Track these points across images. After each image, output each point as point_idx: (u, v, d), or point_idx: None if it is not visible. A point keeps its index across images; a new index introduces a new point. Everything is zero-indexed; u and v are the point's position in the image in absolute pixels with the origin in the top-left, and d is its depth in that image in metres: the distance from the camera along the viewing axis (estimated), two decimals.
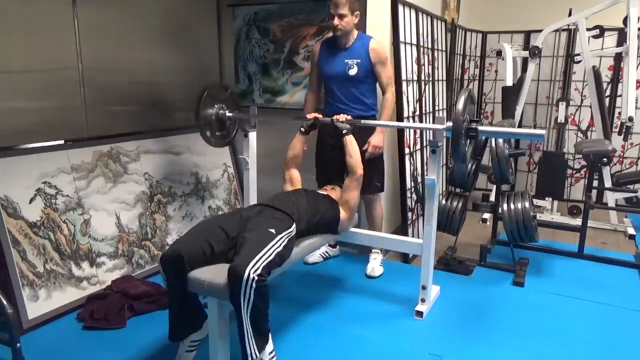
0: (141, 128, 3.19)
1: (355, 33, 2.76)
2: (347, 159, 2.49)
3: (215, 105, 2.78)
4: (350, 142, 2.49)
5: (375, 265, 2.99)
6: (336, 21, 2.64)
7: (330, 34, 2.82)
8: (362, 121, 2.58)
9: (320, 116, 2.62)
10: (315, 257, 3.19)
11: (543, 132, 2.20)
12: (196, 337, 2.00)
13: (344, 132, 2.49)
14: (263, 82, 3.63)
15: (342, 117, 2.53)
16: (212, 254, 1.91)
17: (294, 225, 2.09)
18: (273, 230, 1.94)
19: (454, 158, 2.25)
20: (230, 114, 2.82)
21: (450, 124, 2.17)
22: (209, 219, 2.25)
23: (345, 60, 2.75)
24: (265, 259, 1.79)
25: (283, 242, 1.94)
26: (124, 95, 3.13)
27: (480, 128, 2.24)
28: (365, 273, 2.98)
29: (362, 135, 2.79)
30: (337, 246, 3.31)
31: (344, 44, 2.75)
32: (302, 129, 2.61)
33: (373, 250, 3.06)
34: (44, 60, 2.65)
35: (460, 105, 2.15)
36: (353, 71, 2.74)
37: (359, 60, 2.73)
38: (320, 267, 3.15)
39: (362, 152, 2.78)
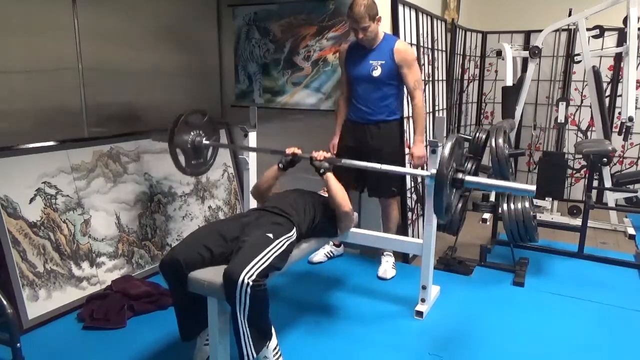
0: (141, 128, 3.19)
1: (381, 34, 2.72)
2: (330, 198, 2.31)
3: (192, 132, 2.64)
4: (330, 180, 2.29)
5: (387, 267, 2.99)
6: (361, 35, 2.62)
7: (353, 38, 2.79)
8: (343, 160, 2.39)
9: (299, 152, 2.39)
10: (319, 256, 3.20)
11: (533, 187, 1.97)
12: None
13: (321, 171, 2.31)
14: (263, 82, 3.63)
15: (320, 155, 2.34)
16: (211, 258, 1.91)
17: (295, 230, 2.08)
18: (271, 235, 1.93)
19: (436, 210, 2.00)
20: (207, 142, 2.70)
21: (434, 171, 1.98)
22: (208, 224, 2.24)
23: (370, 62, 2.72)
24: (261, 264, 1.78)
25: (282, 246, 1.93)
26: (124, 95, 3.13)
27: (467, 178, 2.05)
28: (376, 275, 2.98)
29: (389, 142, 2.82)
30: (342, 245, 3.31)
31: (370, 45, 2.71)
32: (280, 165, 2.40)
33: (385, 253, 3.06)
34: (44, 61, 2.65)
35: (446, 152, 1.93)
36: (377, 72, 2.70)
37: (383, 62, 2.69)
38: (323, 267, 3.15)
39: (393, 163, 2.77)
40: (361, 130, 2.82)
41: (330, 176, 2.30)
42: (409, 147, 3.24)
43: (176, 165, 2.63)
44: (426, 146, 2.67)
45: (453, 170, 2.01)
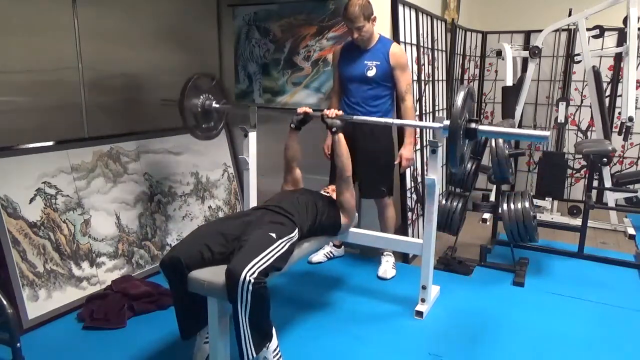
0: (141, 128, 3.19)
1: (376, 36, 2.75)
2: (335, 159, 2.39)
3: (201, 96, 2.69)
4: (339, 141, 2.37)
5: (387, 267, 2.99)
6: (356, 35, 2.64)
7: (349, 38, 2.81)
8: (354, 117, 2.51)
9: (310, 111, 2.50)
10: (319, 256, 3.20)
11: (547, 133, 2.06)
12: None
13: (333, 129, 2.37)
14: (263, 82, 3.63)
15: (332, 112, 2.40)
16: (211, 258, 1.91)
17: (297, 230, 2.08)
18: (273, 235, 1.93)
19: (450, 159, 2.07)
20: (217, 105, 2.74)
21: (447, 122, 2.03)
22: (209, 223, 2.24)
23: (365, 62, 2.74)
24: (263, 263, 1.78)
25: (284, 246, 1.93)
26: (124, 95, 3.13)
27: (480, 127, 2.11)
28: (377, 275, 2.98)
29: (381, 143, 2.83)
30: (342, 246, 3.32)
31: (365, 46, 2.74)
32: (292, 125, 2.50)
33: (385, 253, 3.06)
34: (44, 60, 2.65)
35: (458, 102, 1.97)
36: (371, 72, 2.73)
37: (379, 63, 2.72)
38: (323, 267, 3.15)
39: (386, 163, 2.81)
40: (353, 130, 2.83)
41: (340, 136, 2.37)
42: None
43: (188, 129, 2.68)
44: (416, 151, 2.67)
45: (466, 120, 2.02)
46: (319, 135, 3.00)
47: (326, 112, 2.41)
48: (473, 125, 2.07)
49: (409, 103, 2.78)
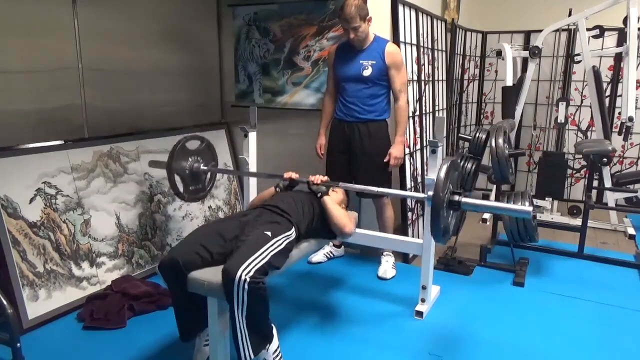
0: (141, 128, 3.19)
1: (371, 36, 2.76)
2: (330, 221, 2.28)
3: (190, 158, 2.65)
4: (327, 203, 2.29)
5: (387, 267, 2.99)
6: (352, 35, 2.66)
7: (345, 39, 2.81)
8: (340, 184, 2.41)
9: (296, 176, 2.43)
10: (319, 256, 3.20)
11: (529, 208, 1.99)
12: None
13: (318, 195, 2.31)
14: (263, 82, 3.63)
15: (317, 178, 2.36)
16: (210, 258, 1.91)
17: (294, 229, 2.08)
18: (269, 233, 1.93)
19: (432, 232, 1.98)
20: (205, 167, 2.71)
21: (431, 193, 1.96)
22: (207, 224, 2.23)
23: (361, 62, 2.75)
24: (259, 262, 1.78)
25: (280, 244, 1.93)
26: (124, 95, 3.13)
27: (464, 200, 2.02)
28: (376, 275, 2.98)
29: (378, 142, 2.83)
30: (342, 246, 3.32)
31: (360, 46, 2.75)
32: (277, 188, 2.42)
33: (385, 253, 3.06)
34: (44, 61, 2.65)
35: (441, 174, 1.92)
36: (367, 72, 2.74)
37: (374, 62, 2.73)
38: (322, 267, 3.15)
39: (382, 163, 2.80)
40: (349, 130, 2.83)
41: (327, 199, 2.30)
42: (408, 147, 3.25)
43: (174, 192, 2.65)
44: (407, 151, 2.65)
45: (449, 192, 2.00)
46: (311, 134, 3.00)
47: (311, 178, 2.37)
48: (456, 197, 2.02)
49: (402, 103, 2.78)
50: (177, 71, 3.48)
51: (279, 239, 1.94)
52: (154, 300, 2.55)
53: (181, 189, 2.66)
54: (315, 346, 2.23)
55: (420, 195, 2.23)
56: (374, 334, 2.34)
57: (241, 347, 1.75)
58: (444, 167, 1.94)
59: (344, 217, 2.29)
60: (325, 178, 2.41)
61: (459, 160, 2.92)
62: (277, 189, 2.43)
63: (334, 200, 2.36)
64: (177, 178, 2.65)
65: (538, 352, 2.22)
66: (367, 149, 2.83)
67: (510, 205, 2.15)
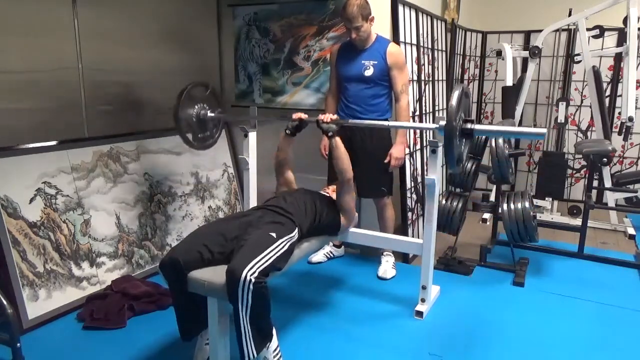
0: (141, 128, 3.19)
1: (373, 36, 2.76)
2: (334, 162, 2.36)
3: (196, 106, 2.68)
4: (337, 145, 2.34)
5: (387, 267, 2.99)
6: (354, 35, 2.65)
7: (347, 39, 2.81)
8: (350, 120, 2.50)
9: (305, 116, 2.45)
10: (319, 256, 3.20)
11: (544, 130, 2.09)
12: None
13: (329, 134, 2.34)
14: (263, 82, 3.63)
15: (327, 117, 2.39)
16: (211, 258, 1.91)
17: (297, 230, 2.08)
18: (274, 234, 1.93)
19: (448, 159, 2.07)
20: (212, 114, 2.74)
21: (443, 122, 2.00)
22: (209, 224, 2.24)
23: (362, 62, 2.75)
24: (264, 262, 1.78)
25: (284, 246, 1.93)
26: (124, 95, 3.13)
27: (476, 127, 2.08)
28: (376, 275, 2.98)
29: (379, 142, 2.82)
30: (342, 246, 3.32)
31: (362, 46, 2.75)
32: (287, 130, 2.46)
33: (385, 253, 3.06)
34: (44, 61, 2.65)
35: (453, 102, 1.94)
36: (369, 72, 2.74)
37: (376, 62, 2.73)
38: (322, 267, 3.15)
39: (384, 164, 2.80)
40: (351, 130, 2.83)
41: (337, 140, 2.34)
42: (408, 147, 3.25)
43: (184, 140, 2.66)
44: (407, 151, 2.66)
45: (462, 120, 2.00)
46: (318, 135, 2.99)
47: (321, 117, 2.40)
48: (469, 125, 2.05)
49: (404, 103, 2.77)
50: (177, 71, 3.48)
51: (283, 241, 1.94)
52: (154, 300, 2.55)
53: (190, 137, 2.68)
54: (315, 346, 2.23)
55: (433, 125, 2.20)
56: (374, 333, 2.34)
57: (244, 345, 1.76)
58: (456, 94, 1.94)
59: (349, 164, 2.34)
60: (335, 117, 2.43)
61: None
62: (287, 132, 2.47)
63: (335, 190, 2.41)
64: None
65: (538, 352, 2.22)
66: (368, 149, 2.82)
67: (524, 129, 2.18)
